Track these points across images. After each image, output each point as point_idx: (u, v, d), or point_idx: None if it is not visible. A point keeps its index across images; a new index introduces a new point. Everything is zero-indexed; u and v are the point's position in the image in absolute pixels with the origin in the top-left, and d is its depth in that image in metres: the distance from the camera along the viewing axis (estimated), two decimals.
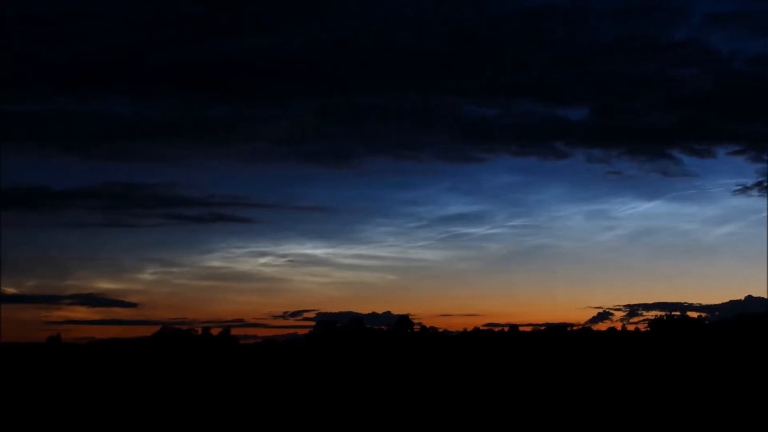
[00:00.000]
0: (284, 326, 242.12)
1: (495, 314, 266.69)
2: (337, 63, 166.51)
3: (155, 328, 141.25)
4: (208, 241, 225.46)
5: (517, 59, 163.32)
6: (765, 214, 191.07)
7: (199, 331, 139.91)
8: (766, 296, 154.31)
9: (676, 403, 31.18)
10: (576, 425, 25.50)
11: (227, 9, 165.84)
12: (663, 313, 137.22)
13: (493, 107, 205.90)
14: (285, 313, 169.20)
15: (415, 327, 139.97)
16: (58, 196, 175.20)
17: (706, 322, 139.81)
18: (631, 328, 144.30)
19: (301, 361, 77.48)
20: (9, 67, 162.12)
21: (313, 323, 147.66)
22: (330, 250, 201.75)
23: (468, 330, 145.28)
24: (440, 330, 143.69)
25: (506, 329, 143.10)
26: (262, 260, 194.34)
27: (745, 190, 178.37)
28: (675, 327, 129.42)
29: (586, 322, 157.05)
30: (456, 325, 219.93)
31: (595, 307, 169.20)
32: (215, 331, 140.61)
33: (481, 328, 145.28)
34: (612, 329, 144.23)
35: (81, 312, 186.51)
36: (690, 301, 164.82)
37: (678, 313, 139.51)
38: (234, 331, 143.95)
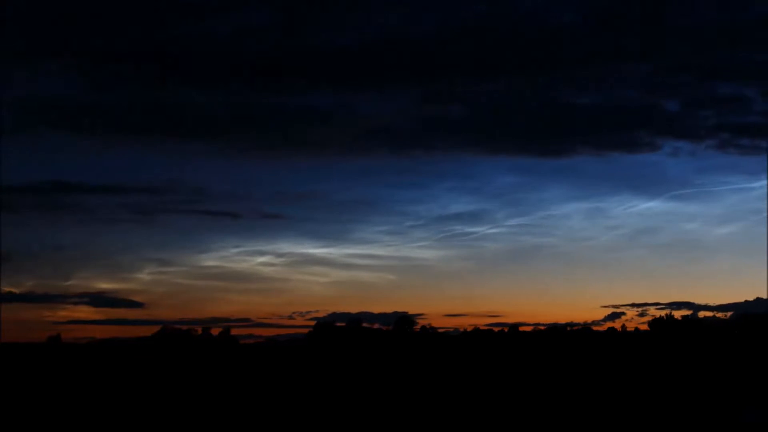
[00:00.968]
0: (284, 326, 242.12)
1: (517, 314, 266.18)
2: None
3: (155, 328, 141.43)
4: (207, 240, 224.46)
5: None
6: None
7: (199, 331, 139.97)
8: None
9: (675, 402, 31.19)
10: (576, 425, 25.51)
11: None
12: (679, 313, 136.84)
13: None
14: (293, 313, 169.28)
15: (415, 327, 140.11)
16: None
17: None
18: (631, 327, 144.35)
19: (301, 361, 77.48)
20: None
21: (313, 323, 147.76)
22: (330, 250, 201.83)
23: (469, 330, 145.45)
24: (440, 330, 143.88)
25: (506, 329, 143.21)
26: (261, 259, 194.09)
27: None
28: (675, 327, 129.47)
29: (602, 321, 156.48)
30: (457, 324, 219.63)
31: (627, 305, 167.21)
32: (215, 331, 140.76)
33: (482, 327, 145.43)
34: (612, 329, 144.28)
35: (81, 312, 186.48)
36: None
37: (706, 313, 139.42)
38: (234, 331, 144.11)
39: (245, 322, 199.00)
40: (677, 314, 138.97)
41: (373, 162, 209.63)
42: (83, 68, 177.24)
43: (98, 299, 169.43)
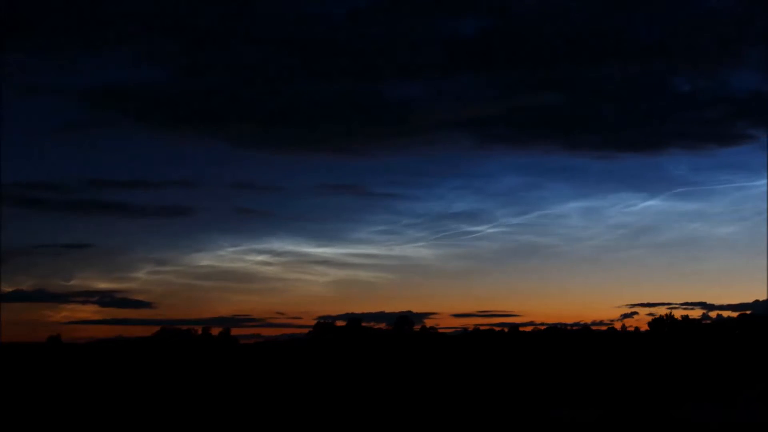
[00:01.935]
0: (284, 326, 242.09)
1: (534, 314, 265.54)
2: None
3: (155, 328, 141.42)
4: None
5: None
6: None
7: (199, 331, 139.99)
8: None
9: (674, 402, 31.22)
10: (576, 425, 25.55)
11: None
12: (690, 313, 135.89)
13: None
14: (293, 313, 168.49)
15: (415, 326, 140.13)
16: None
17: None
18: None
19: (300, 361, 77.50)
20: None
21: (313, 322, 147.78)
22: (330, 249, 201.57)
23: (469, 329, 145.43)
24: (440, 329, 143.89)
25: (506, 329, 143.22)
26: (259, 258, 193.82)
27: None
28: (675, 327, 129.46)
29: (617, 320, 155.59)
30: (464, 324, 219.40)
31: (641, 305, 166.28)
32: (215, 331, 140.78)
33: (482, 328, 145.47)
34: (612, 329, 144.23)
35: (82, 312, 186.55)
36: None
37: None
38: (234, 331, 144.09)
39: (247, 321, 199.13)
40: (692, 314, 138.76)
41: None
42: None
43: (98, 299, 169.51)
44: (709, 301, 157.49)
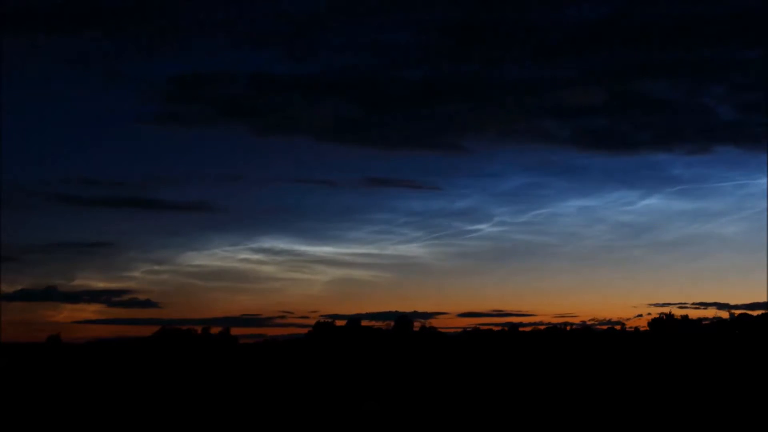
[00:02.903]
0: (284, 326, 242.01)
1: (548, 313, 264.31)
2: None
3: (155, 328, 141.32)
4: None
5: None
6: None
7: (199, 331, 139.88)
8: None
9: (674, 402, 31.21)
10: (575, 425, 25.54)
11: None
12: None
13: None
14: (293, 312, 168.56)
15: (414, 326, 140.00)
16: None
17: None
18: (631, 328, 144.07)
19: (300, 361, 77.50)
20: None
21: (313, 322, 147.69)
22: (329, 249, 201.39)
23: (469, 329, 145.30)
24: (440, 329, 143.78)
25: (506, 329, 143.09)
26: (258, 257, 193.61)
27: None
28: (675, 327, 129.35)
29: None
30: (459, 324, 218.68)
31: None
32: (215, 331, 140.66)
33: (481, 327, 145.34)
34: (612, 329, 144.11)
35: (82, 311, 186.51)
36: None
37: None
38: (234, 331, 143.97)
39: (248, 321, 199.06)
40: (707, 314, 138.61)
41: None
42: None
43: (99, 299, 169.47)
44: (723, 301, 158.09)
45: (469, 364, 66.54)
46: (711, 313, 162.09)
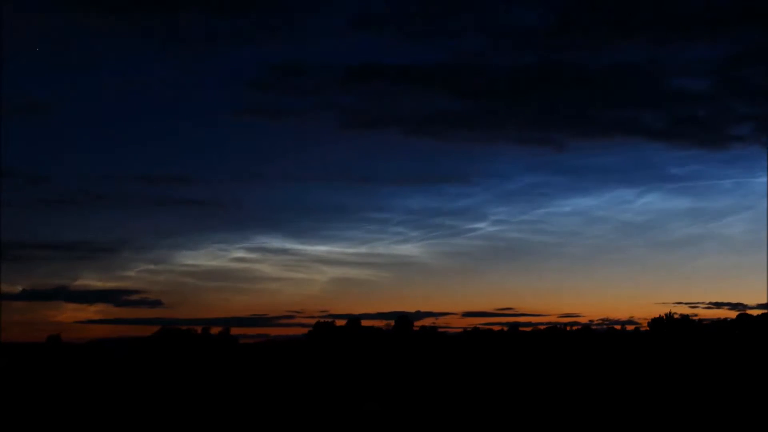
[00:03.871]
0: (284, 326, 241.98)
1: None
2: None
3: (155, 328, 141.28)
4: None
5: None
6: None
7: (199, 331, 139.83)
8: None
9: (673, 402, 31.21)
10: (575, 425, 25.55)
11: None
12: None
13: None
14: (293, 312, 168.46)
15: (414, 326, 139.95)
16: None
17: None
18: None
19: (300, 361, 77.51)
20: None
21: (312, 322, 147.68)
22: (329, 248, 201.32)
23: (469, 329, 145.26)
24: (440, 329, 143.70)
25: (506, 329, 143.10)
26: (257, 256, 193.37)
27: None
28: (674, 327, 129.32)
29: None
30: (460, 324, 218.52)
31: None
32: (215, 331, 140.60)
33: (482, 327, 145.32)
34: (611, 329, 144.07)
35: (82, 311, 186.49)
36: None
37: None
38: (234, 331, 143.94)
39: (247, 321, 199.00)
40: (721, 314, 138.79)
41: None
42: None
43: (99, 299, 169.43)
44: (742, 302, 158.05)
45: (469, 364, 66.54)
46: (711, 313, 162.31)
